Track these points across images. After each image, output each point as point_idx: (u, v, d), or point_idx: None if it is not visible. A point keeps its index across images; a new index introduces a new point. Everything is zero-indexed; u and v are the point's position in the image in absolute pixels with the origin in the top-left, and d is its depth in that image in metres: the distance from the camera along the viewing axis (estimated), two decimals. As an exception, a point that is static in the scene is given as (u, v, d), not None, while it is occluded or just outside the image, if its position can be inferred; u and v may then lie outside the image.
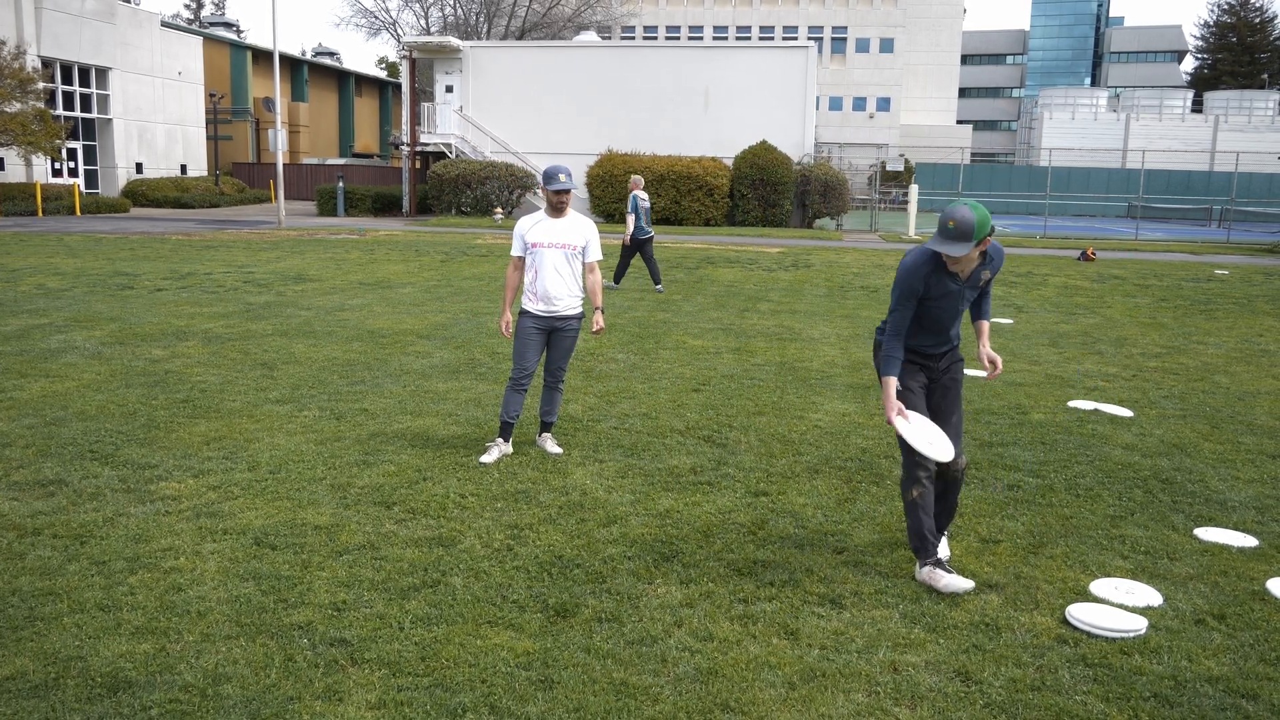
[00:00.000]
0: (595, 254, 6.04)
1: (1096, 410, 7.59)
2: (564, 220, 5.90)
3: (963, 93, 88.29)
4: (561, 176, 5.76)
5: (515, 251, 5.94)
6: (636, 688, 3.34)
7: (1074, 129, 66.13)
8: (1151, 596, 4.14)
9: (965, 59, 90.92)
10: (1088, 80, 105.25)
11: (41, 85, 34.47)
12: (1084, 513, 5.22)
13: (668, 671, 3.46)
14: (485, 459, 5.83)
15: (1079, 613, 3.93)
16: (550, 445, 6.16)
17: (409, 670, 3.42)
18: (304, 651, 3.53)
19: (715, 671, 3.46)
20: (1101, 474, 5.92)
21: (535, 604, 3.96)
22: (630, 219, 14.50)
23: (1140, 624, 3.86)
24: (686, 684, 3.38)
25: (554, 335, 6.01)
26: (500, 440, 5.97)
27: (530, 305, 5.93)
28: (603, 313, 6.19)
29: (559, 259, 5.88)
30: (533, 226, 5.88)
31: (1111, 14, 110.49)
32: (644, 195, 14.73)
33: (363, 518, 4.89)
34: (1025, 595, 4.16)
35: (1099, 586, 4.23)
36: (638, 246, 14.79)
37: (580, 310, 6.04)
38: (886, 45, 65.52)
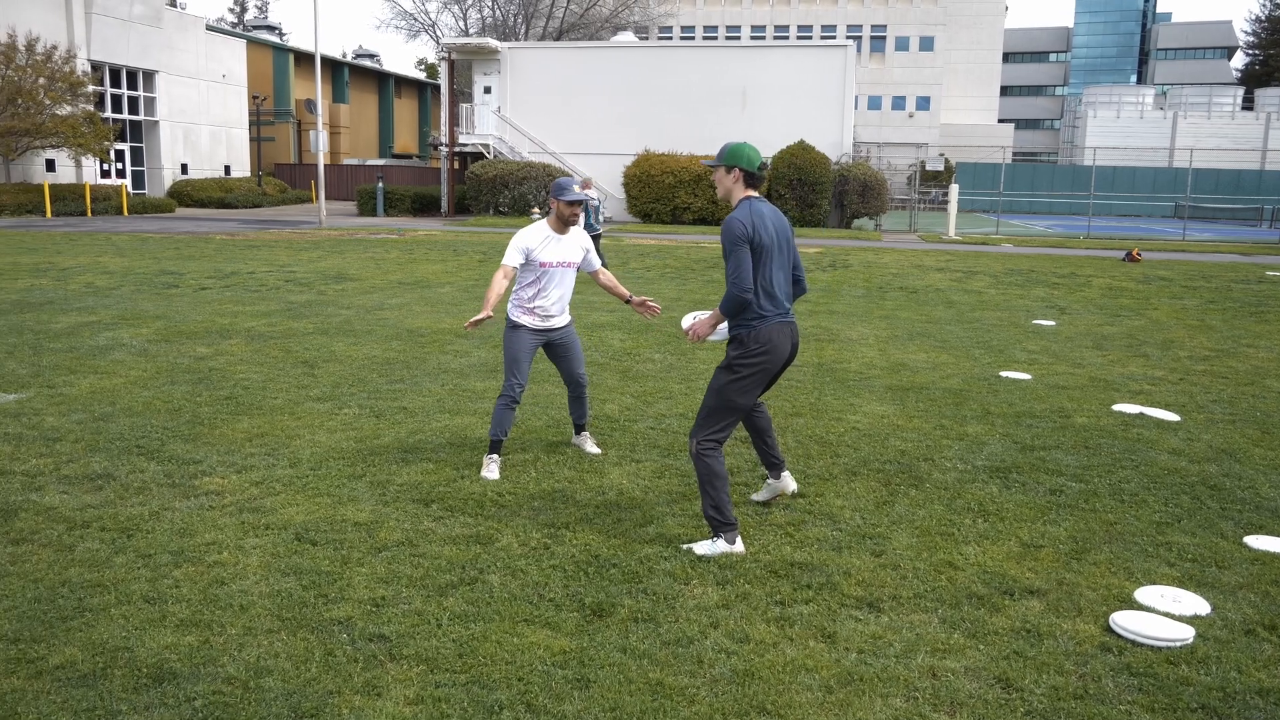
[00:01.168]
0: (598, 260, 5.91)
1: (1142, 414, 7.48)
2: (568, 236, 5.69)
3: (1004, 91, 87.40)
4: (576, 188, 5.57)
5: (513, 261, 5.60)
6: (673, 688, 3.34)
7: (1119, 127, 65.18)
8: (1199, 605, 4.07)
9: (1007, 57, 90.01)
10: (1133, 78, 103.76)
11: (91, 88, 35.16)
12: (1129, 518, 5.14)
13: (704, 672, 3.45)
14: (489, 475, 5.58)
15: (1124, 620, 3.87)
16: (589, 445, 6.14)
17: (446, 667, 3.44)
18: (344, 646, 3.56)
19: (751, 673, 3.45)
20: (1147, 479, 5.83)
21: (572, 603, 3.97)
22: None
23: (1187, 633, 3.79)
24: (723, 685, 3.37)
25: (554, 347, 5.83)
26: (495, 456, 5.68)
27: (525, 320, 5.72)
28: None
29: (567, 277, 5.73)
30: (542, 244, 5.61)
31: (1159, 9, 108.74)
32: (593, 194, 15.98)
33: (401, 515, 4.93)
34: (1068, 602, 4.10)
35: (1144, 594, 4.16)
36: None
37: (570, 318, 5.92)
38: (926, 44, 64.99)
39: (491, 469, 5.63)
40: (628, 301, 5.83)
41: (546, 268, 5.64)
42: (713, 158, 4.69)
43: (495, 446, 5.70)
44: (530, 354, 5.74)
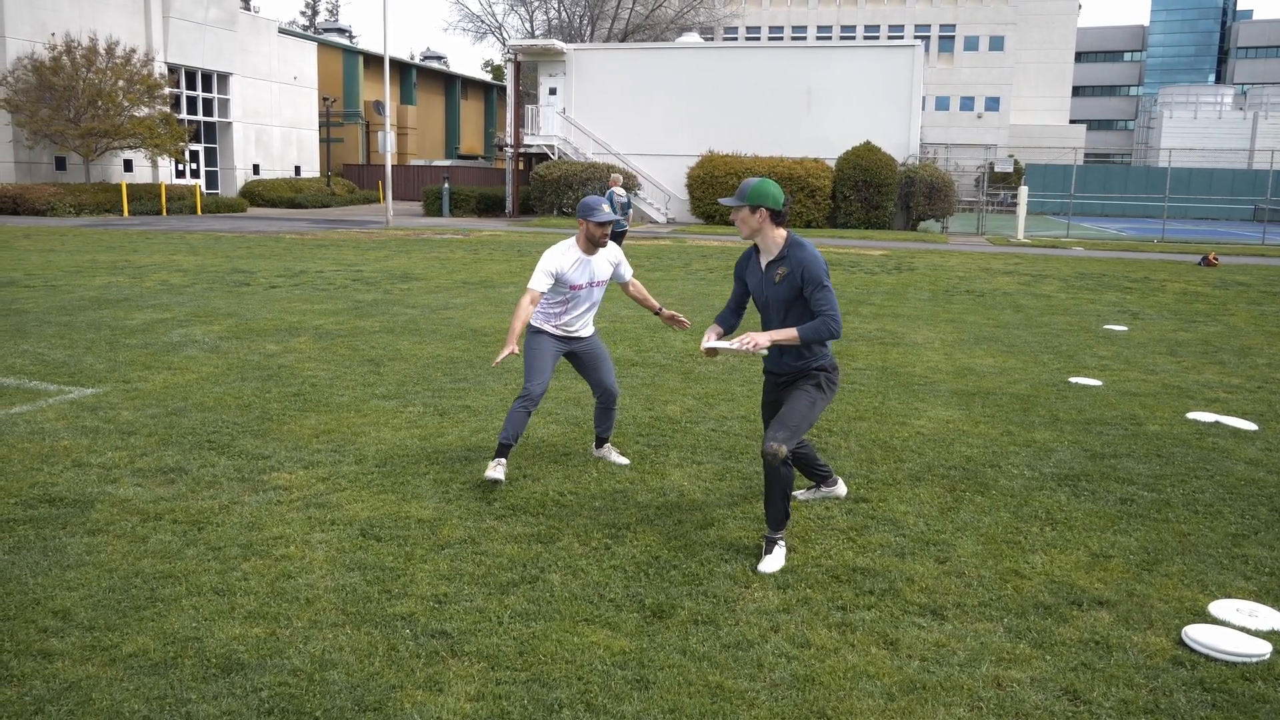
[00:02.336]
0: (629, 271, 5.72)
1: (1218, 423, 7.27)
2: (598, 254, 5.49)
3: (1076, 91, 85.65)
4: (605, 208, 5.32)
5: (540, 286, 5.36)
6: (732, 691, 3.32)
7: (1196, 128, 63.47)
8: (1277, 620, 3.94)
9: (1080, 56, 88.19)
10: (1211, 77, 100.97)
11: (167, 90, 36.14)
12: (1203, 529, 5.00)
13: (764, 676, 3.43)
14: (494, 475, 5.27)
15: (1197, 634, 3.76)
16: (615, 456, 5.92)
17: (507, 664, 3.47)
18: (406, 642, 3.61)
19: (812, 679, 3.42)
20: (1223, 489, 5.66)
21: (632, 603, 3.98)
22: None
23: (1264, 648, 3.67)
24: (783, 690, 3.35)
25: (578, 357, 5.68)
26: (502, 460, 5.36)
27: (546, 327, 5.56)
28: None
29: (591, 296, 5.56)
30: (573, 267, 5.41)
31: (1239, 7, 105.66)
32: (620, 191, 16.25)
33: (464, 513, 4.98)
34: (1138, 614, 4.00)
35: (1219, 608, 4.04)
36: (613, 238, 16.00)
37: (594, 327, 5.76)
38: (996, 43, 63.96)
39: (496, 471, 5.28)
40: (657, 313, 5.70)
41: (577, 290, 5.46)
42: (734, 195, 4.55)
43: (503, 450, 5.37)
44: (554, 358, 5.55)
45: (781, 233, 4.57)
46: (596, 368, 5.71)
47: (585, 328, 5.67)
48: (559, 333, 5.59)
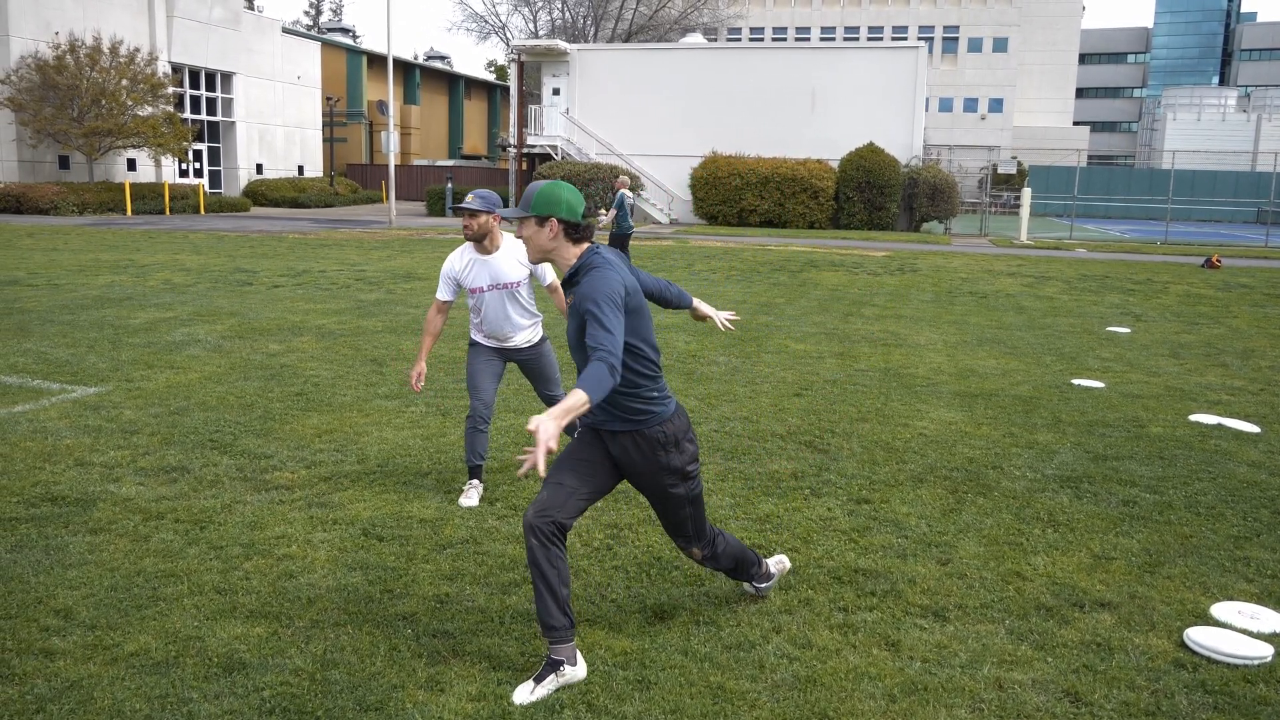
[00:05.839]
0: (550, 276, 5.36)
1: (1220, 425, 7.26)
2: (497, 254, 5.12)
3: (1080, 93, 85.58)
4: (469, 197, 4.98)
5: (442, 295, 5.22)
6: (734, 692, 3.32)
7: (1199, 130, 63.40)
8: (1278, 622, 3.93)
9: (1083, 58, 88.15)
10: (1215, 79, 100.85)
11: (171, 90, 36.18)
12: (1205, 532, 4.99)
13: (765, 677, 3.43)
14: (466, 502, 5.11)
15: (1198, 636, 3.75)
16: None
17: (508, 665, 3.47)
18: (408, 642, 3.61)
19: (814, 680, 3.42)
20: (1225, 492, 5.65)
21: (633, 604, 3.98)
22: (612, 212, 16.23)
23: (1266, 651, 3.66)
24: (784, 691, 3.35)
25: (521, 366, 5.41)
26: (475, 482, 5.23)
27: (478, 337, 5.34)
28: None
29: (502, 301, 5.18)
30: (467, 269, 5.15)
31: (1243, 9, 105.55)
32: (628, 194, 16.38)
33: (466, 513, 4.98)
34: (1140, 616, 4.00)
35: (1221, 610, 4.04)
36: (620, 240, 16.32)
37: (541, 335, 5.42)
38: (1000, 45, 63.91)
39: (470, 496, 5.15)
40: None
41: (478, 293, 5.17)
42: (518, 204, 3.39)
43: (474, 472, 5.25)
44: (491, 372, 5.29)
45: (579, 250, 3.39)
46: (536, 381, 5.46)
47: (524, 336, 5.32)
48: (491, 342, 5.31)
